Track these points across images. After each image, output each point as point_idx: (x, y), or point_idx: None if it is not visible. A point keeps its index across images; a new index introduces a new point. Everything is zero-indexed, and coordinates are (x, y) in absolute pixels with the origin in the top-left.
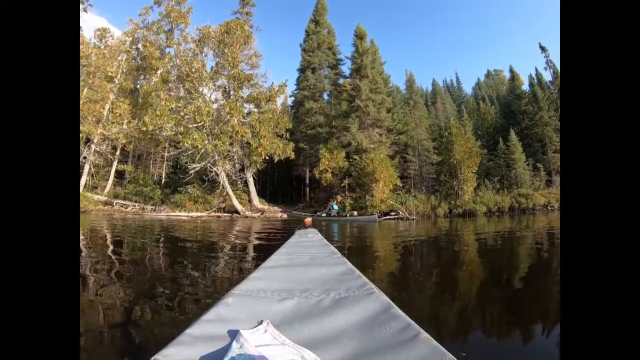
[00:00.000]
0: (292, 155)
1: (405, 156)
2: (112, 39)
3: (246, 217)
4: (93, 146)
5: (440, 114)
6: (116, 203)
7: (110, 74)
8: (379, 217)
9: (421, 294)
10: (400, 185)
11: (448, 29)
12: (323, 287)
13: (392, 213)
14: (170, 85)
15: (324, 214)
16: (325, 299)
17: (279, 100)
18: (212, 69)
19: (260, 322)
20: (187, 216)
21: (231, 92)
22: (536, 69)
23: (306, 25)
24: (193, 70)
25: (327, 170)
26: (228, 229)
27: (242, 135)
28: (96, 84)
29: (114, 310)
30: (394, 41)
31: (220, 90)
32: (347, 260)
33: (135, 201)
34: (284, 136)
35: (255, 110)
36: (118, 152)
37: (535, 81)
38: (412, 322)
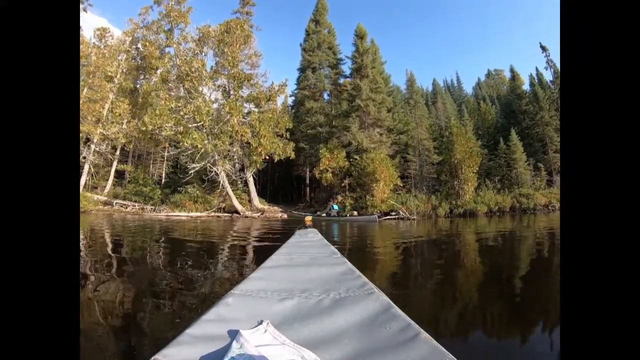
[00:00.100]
0: (293, 155)
1: (405, 156)
2: (112, 39)
3: (246, 217)
4: (93, 146)
5: (441, 114)
6: (116, 203)
7: (110, 73)
8: (379, 217)
9: (421, 294)
10: (401, 185)
11: (448, 29)
12: (323, 287)
13: (393, 213)
14: (170, 85)
15: (324, 214)
16: (325, 299)
17: (279, 100)
18: (211, 69)
19: (260, 322)
20: (187, 216)
21: (231, 92)
22: (537, 69)
23: (306, 24)
24: (193, 69)
25: (327, 170)
26: (228, 229)
27: (242, 135)
28: (96, 83)
29: (114, 310)
30: (394, 41)
31: (220, 89)
32: (347, 260)
33: (135, 201)
34: (284, 136)
35: (255, 109)
36: (118, 152)
37: (536, 81)
38: (412, 322)
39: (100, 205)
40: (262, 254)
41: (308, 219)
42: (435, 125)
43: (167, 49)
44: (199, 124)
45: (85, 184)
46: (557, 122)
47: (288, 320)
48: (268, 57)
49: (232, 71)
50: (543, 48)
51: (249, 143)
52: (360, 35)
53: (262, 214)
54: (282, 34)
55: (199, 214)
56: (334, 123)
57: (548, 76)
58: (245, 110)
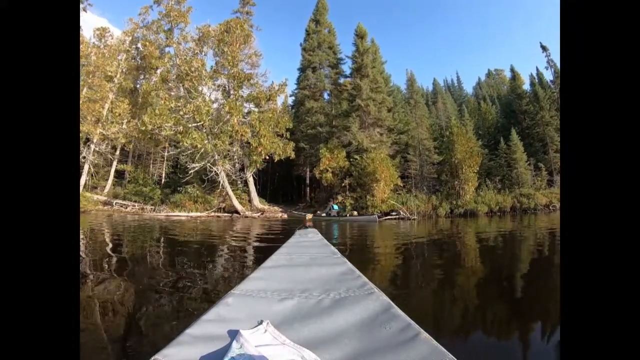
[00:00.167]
0: (293, 155)
1: (406, 156)
2: (112, 39)
3: (246, 217)
4: (92, 146)
5: (441, 114)
6: (116, 203)
7: (109, 73)
8: (379, 217)
9: (422, 294)
10: (401, 185)
11: (448, 29)
12: (323, 287)
13: (393, 213)
14: (170, 84)
15: (324, 214)
16: (325, 299)
17: (280, 100)
18: (211, 68)
19: (260, 322)
20: (187, 216)
21: (231, 92)
22: (537, 69)
23: (306, 24)
24: (192, 69)
25: (327, 170)
26: (228, 229)
27: (242, 135)
28: (95, 83)
29: (114, 310)
30: (394, 41)
31: (220, 89)
32: (347, 260)
33: (135, 201)
34: (284, 136)
35: (255, 109)
36: (118, 152)
37: (537, 81)
38: (412, 322)
39: (100, 205)
40: (262, 254)
41: (309, 216)
42: (435, 125)
43: (167, 49)
44: (198, 124)
45: (85, 184)
46: (557, 122)
47: (288, 320)
48: (268, 57)
49: (232, 71)
50: (543, 48)
51: (249, 143)
52: (360, 35)
53: (262, 214)
54: (282, 34)
55: (198, 214)
56: (334, 123)
57: (548, 76)
58: (245, 110)
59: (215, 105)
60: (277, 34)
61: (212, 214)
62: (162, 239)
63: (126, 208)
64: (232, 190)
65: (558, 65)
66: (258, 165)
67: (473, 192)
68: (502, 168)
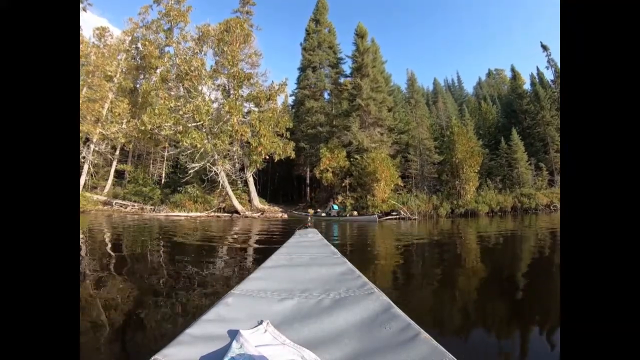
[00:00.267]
0: (293, 155)
1: (406, 155)
2: (111, 38)
3: (246, 217)
4: (92, 146)
5: (442, 114)
6: (115, 203)
7: (109, 73)
8: (380, 217)
9: (422, 294)
10: (402, 185)
11: (448, 29)
12: (323, 287)
13: (394, 213)
14: (169, 84)
15: (324, 214)
16: (325, 299)
17: (280, 100)
18: (211, 68)
19: (260, 322)
20: (186, 216)
21: (231, 91)
22: (537, 68)
23: (307, 24)
24: (192, 68)
25: (327, 170)
26: (228, 229)
27: (241, 135)
28: (95, 83)
29: (114, 310)
30: (394, 41)
31: (220, 89)
32: (347, 260)
33: (135, 201)
34: (285, 135)
35: (255, 109)
36: (117, 152)
37: (537, 80)
38: (412, 322)
39: (100, 205)
40: (262, 254)
41: (311, 212)
42: (436, 125)
43: (166, 49)
44: (198, 124)
45: (85, 183)
46: (558, 122)
47: (288, 320)
48: (268, 57)
49: (232, 70)
50: (544, 47)
51: (249, 142)
52: (360, 35)
53: (262, 214)
54: (282, 34)
55: (198, 214)
56: (334, 122)
57: (549, 75)
58: (245, 110)
59: (215, 105)
60: (277, 34)
61: (212, 214)
62: (161, 239)
63: (126, 208)
64: (232, 190)
65: (558, 64)
66: (258, 165)
67: (474, 192)
68: (502, 168)
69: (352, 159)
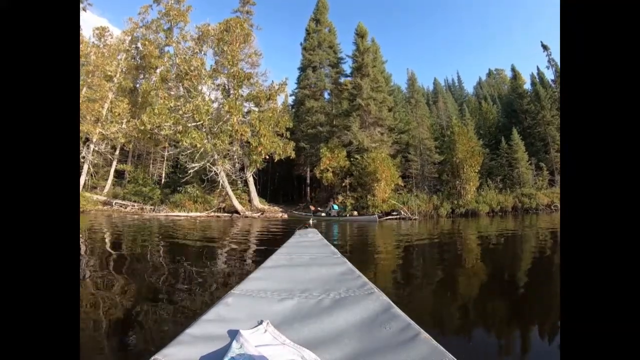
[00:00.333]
0: (293, 155)
1: (406, 155)
2: (111, 38)
3: (246, 217)
4: (92, 145)
5: (442, 113)
6: (115, 203)
7: (109, 72)
8: (380, 217)
9: (422, 294)
10: (402, 184)
11: (448, 29)
12: (323, 287)
13: (394, 213)
14: (169, 84)
15: (324, 214)
16: (325, 299)
17: (280, 99)
18: (211, 68)
19: (260, 322)
20: (186, 216)
21: (231, 91)
22: (538, 68)
23: (307, 23)
24: (192, 68)
25: (328, 170)
26: (228, 229)
27: (241, 134)
28: (95, 83)
29: (114, 310)
30: (394, 41)
31: (220, 88)
32: (347, 260)
33: (135, 201)
34: (285, 135)
35: (255, 109)
36: (117, 152)
37: (537, 80)
38: (412, 322)
39: (100, 205)
40: (262, 254)
41: (313, 208)
42: (436, 125)
43: (166, 48)
44: (198, 123)
45: (85, 183)
46: (558, 122)
47: (288, 320)
48: (268, 57)
49: (232, 70)
50: (544, 47)
51: (249, 142)
52: (360, 34)
53: (262, 214)
54: (282, 34)
55: (198, 214)
56: (334, 122)
57: (550, 75)
58: (245, 110)
59: (214, 105)
60: (277, 34)
61: (212, 214)
62: (161, 239)
63: (126, 208)
64: (232, 190)
65: (559, 64)
66: (258, 165)
67: (474, 192)
68: (503, 168)
69: (352, 159)
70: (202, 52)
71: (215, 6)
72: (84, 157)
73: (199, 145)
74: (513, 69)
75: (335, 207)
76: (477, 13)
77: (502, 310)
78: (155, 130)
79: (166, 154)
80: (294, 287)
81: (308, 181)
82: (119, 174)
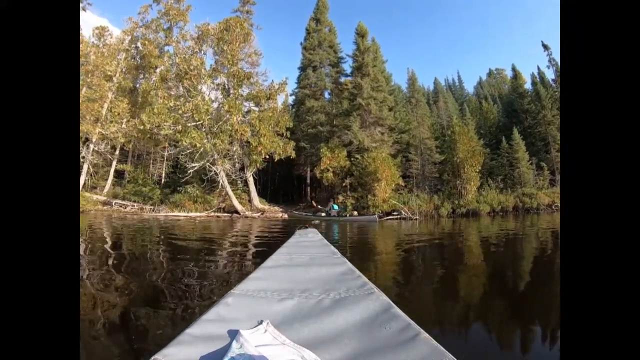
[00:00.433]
0: (293, 154)
1: (407, 155)
2: (111, 38)
3: (246, 217)
4: (92, 145)
5: (443, 113)
6: (115, 203)
7: (109, 72)
8: (380, 217)
9: (422, 294)
10: (403, 184)
11: (449, 28)
12: (323, 287)
13: (395, 213)
14: (169, 83)
15: (324, 214)
16: (325, 299)
17: (280, 99)
18: (211, 67)
19: (260, 322)
20: (186, 216)
21: (231, 90)
22: (538, 68)
23: (307, 23)
24: (191, 68)
25: (328, 170)
26: (227, 229)
27: (241, 134)
28: (95, 82)
29: (114, 310)
30: (394, 40)
31: (220, 88)
32: (347, 260)
33: (134, 201)
34: (285, 135)
35: (255, 108)
36: (117, 152)
37: (538, 79)
38: (412, 322)
39: (100, 205)
40: (262, 254)
41: (316, 205)
42: (437, 125)
43: (166, 48)
44: (197, 123)
45: (84, 183)
46: (559, 121)
47: (288, 320)
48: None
49: (232, 69)
50: (545, 46)
51: (249, 142)
52: (361, 34)
53: (262, 214)
54: (282, 33)
55: (198, 214)
56: (334, 122)
57: (550, 75)
58: (245, 109)
59: (214, 104)
60: (277, 33)
61: (212, 214)
62: (161, 239)
63: (125, 208)
64: (232, 190)
65: (559, 64)
66: (258, 164)
67: (475, 192)
68: (504, 167)
69: (352, 159)
70: (202, 52)
71: (215, 6)
72: (83, 157)
73: (198, 145)
74: (513, 69)
75: (335, 207)
76: (477, 13)
77: (503, 310)
78: (155, 130)
79: (166, 153)
80: (294, 287)
81: (308, 181)
82: (119, 174)
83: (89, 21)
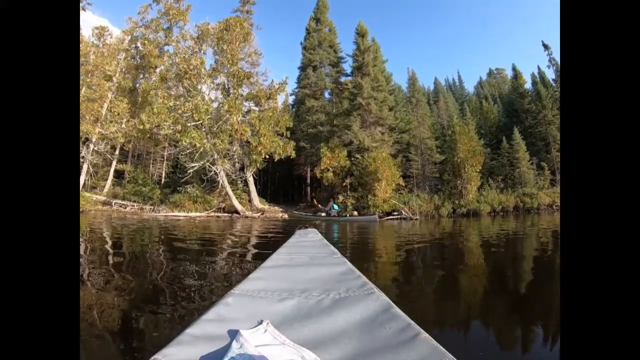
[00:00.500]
0: (293, 154)
1: (407, 155)
2: (111, 38)
3: (246, 217)
4: (91, 145)
5: (443, 113)
6: (115, 203)
7: (108, 72)
8: (381, 217)
9: (423, 295)
10: (403, 184)
11: (449, 28)
12: (323, 287)
13: (395, 213)
14: (169, 83)
15: (324, 214)
16: (325, 299)
17: (280, 99)
18: (211, 67)
19: (260, 322)
20: (185, 216)
21: (230, 90)
22: (539, 67)
23: (307, 23)
24: (191, 67)
25: (328, 170)
26: (227, 230)
27: (241, 134)
28: (94, 82)
29: (114, 310)
30: (395, 40)
31: (220, 88)
32: (347, 260)
33: (134, 201)
34: (285, 135)
35: (255, 108)
36: (117, 152)
37: (538, 79)
38: (412, 322)
39: (99, 205)
40: (262, 254)
41: (317, 204)
42: (437, 124)
43: (166, 48)
44: (197, 123)
45: (84, 183)
46: (559, 121)
47: (288, 320)
48: (268, 56)
49: (232, 69)
50: (545, 46)
51: (249, 142)
52: (361, 33)
53: (262, 214)
54: (282, 33)
55: (198, 214)
56: (335, 122)
57: (551, 74)
58: (245, 109)
59: (214, 104)
60: (277, 33)
61: (212, 214)
62: (161, 240)
63: (125, 208)
64: (232, 190)
65: (559, 63)
66: (258, 164)
67: (475, 192)
68: (504, 167)
69: (353, 159)
70: (202, 51)
71: (215, 5)
72: (83, 157)
73: (198, 145)
74: (514, 68)
75: (336, 207)
76: (477, 12)
77: (503, 310)
78: (155, 130)
79: (166, 153)
80: (294, 287)
81: (308, 181)
82: (119, 174)
83: (89, 21)
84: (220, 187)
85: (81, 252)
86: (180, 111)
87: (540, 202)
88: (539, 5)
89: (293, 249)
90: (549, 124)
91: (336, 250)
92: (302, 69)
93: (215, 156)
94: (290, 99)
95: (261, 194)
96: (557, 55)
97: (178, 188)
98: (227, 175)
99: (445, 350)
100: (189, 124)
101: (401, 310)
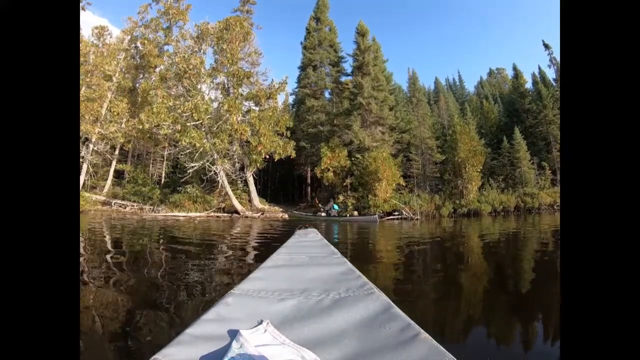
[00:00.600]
0: (293, 154)
1: (408, 155)
2: (110, 37)
3: (246, 217)
4: (91, 145)
5: (443, 113)
6: (114, 203)
7: (108, 72)
8: (381, 217)
9: (422, 294)
10: (404, 184)
11: (449, 28)
12: (323, 287)
13: (396, 213)
14: (169, 83)
15: (324, 214)
16: (325, 299)
17: (280, 98)
18: (210, 66)
19: (260, 322)
20: (185, 216)
21: (230, 90)
22: (539, 67)
23: (307, 22)
24: (191, 67)
25: (328, 170)
26: (227, 230)
27: (241, 134)
28: (94, 82)
29: (114, 310)
30: (395, 40)
31: (219, 87)
32: (347, 260)
33: (134, 201)
34: (285, 134)
35: (255, 108)
36: (117, 152)
37: (539, 79)
38: (412, 322)
39: (99, 205)
40: (262, 254)
41: (317, 204)
42: (437, 124)
43: (165, 47)
44: (197, 122)
45: (84, 183)
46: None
47: (288, 320)
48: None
49: (232, 69)
50: (546, 46)
51: (249, 142)
52: (361, 33)
53: (262, 214)
54: (282, 33)
55: (198, 214)
56: (335, 121)
57: (551, 74)
58: (245, 109)
59: (214, 104)
60: (277, 33)
61: (212, 214)
62: (161, 240)
63: (125, 208)
64: (232, 190)
65: (559, 63)
66: (258, 164)
67: (476, 192)
68: (505, 167)
69: (353, 158)
70: (202, 51)
71: (215, 5)
72: (83, 157)
73: (198, 145)
74: (514, 68)
75: (336, 207)
76: (477, 12)
77: (503, 310)
78: (154, 130)
79: (166, 153)
80: (294, 287)
81: (309, 181)
82: (119, 174)
83: (89, 21)
84: (220, 187)
85: (81, 251)
86: (179, 111)
87: (541, 202)
88: (539, 5)
89: (293, 249)
90: (550, 123)
91: (336, 250)
92: (302, 68)
93: (215, 156)
94: (291, 99)
95: (261, 194)
96: (557, 55)
97: (178, 188)
98: (227, 175)
99: (445, 350)
100: (188, 124)
101: (401, 310)
